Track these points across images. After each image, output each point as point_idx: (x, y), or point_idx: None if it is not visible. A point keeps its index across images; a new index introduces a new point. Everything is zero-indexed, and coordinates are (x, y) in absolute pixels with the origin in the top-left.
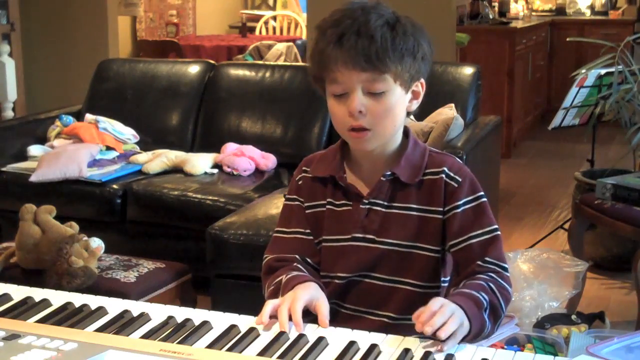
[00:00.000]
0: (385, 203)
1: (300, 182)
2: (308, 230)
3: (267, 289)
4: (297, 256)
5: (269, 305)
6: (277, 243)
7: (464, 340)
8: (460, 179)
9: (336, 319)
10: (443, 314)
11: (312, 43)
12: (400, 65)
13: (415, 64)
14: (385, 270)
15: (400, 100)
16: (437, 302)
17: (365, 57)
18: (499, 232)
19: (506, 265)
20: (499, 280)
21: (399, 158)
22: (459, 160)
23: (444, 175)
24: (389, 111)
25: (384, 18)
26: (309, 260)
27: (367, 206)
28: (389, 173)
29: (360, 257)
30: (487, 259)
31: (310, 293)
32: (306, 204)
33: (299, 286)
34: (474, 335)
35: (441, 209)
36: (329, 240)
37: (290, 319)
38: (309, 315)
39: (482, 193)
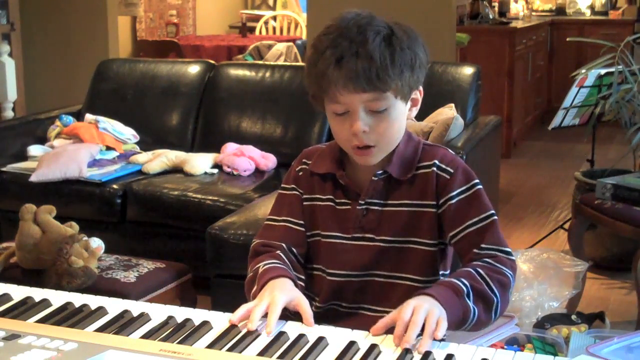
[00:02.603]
0: (381, 201)
1: (300, 174)
2: (300, 221)
3: (249, 274)
4: (283, 244)
5: (243, 309)
6: (266, 229)
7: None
8: (452, 170)
9: (335, 318)
10: (416, 323)
11: (308, 61)
12: (400, 81)
13: (414, 75)
14: (384, 267)
15: (402, 113)
16: (407, 310)
17: (366, 80)
18: (495, 217)
19: (506, 249)
20: (494, 264)
21: (391, 156)
22: (452, 151)
23: (435, 168)
24: (392, 126)
25: (380, 35)
26: (294, 250)
27: (364, 206)
28: (380, 172)
29: (361, 256)
30: (483, 245)
31: (287, 294)
32: (305, 196)
33: (274, 283)
34: (456, 323)
35: (434, 202)
36: (328, 236)
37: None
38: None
39: (476, 181)
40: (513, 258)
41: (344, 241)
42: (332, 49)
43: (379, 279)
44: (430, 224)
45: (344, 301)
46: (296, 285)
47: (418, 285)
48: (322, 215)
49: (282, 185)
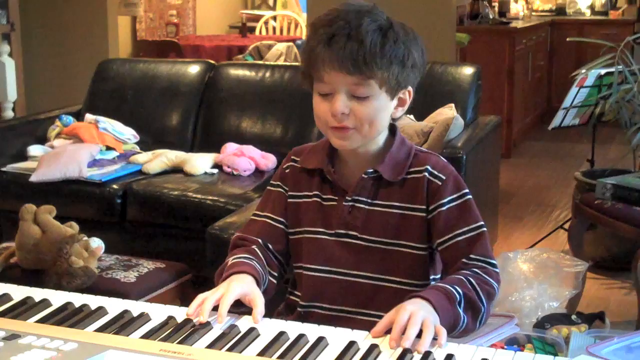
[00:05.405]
0: (369, 200)
1: (287, 171)
2: (280, 219)
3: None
4: (259, 240)
5: (199, 299)
6: (249, 224)
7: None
8: (444, 177)
9: (316, 322)
10: (416, 324)
11: (306, 38)
12: (387, 72)
13: (404, 72)
14: (369, 269)
15: (384, 106)
16: (404, 313)
17: (352, 61)
18: (484, 229)
19: (493, 261)
20: (482, 275)
21: (383, 156)
22: (444, 159)
23: (426, 174)
24: (372, 115)
25: (377, 23)
26: (270, 245)
27: (350, 203)
28: (371, 170)
29: (343, 253)
30: (472, 256)
31: (243, 287)
32: (290, 193)
33: (233, 277)
34: (446, 329)
35: (424, 207)
36: (313, 232)
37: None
38: (241, 307)
39: (467, 190)
40: (498, 270)
41: (327, 237)
42: (326, 27)
43: (363, 280)
44: (419, 228)
45: (325, 302)
46: (261, 281)
47: (406, 288)
48: (308, 212)
49: (270, 182)
